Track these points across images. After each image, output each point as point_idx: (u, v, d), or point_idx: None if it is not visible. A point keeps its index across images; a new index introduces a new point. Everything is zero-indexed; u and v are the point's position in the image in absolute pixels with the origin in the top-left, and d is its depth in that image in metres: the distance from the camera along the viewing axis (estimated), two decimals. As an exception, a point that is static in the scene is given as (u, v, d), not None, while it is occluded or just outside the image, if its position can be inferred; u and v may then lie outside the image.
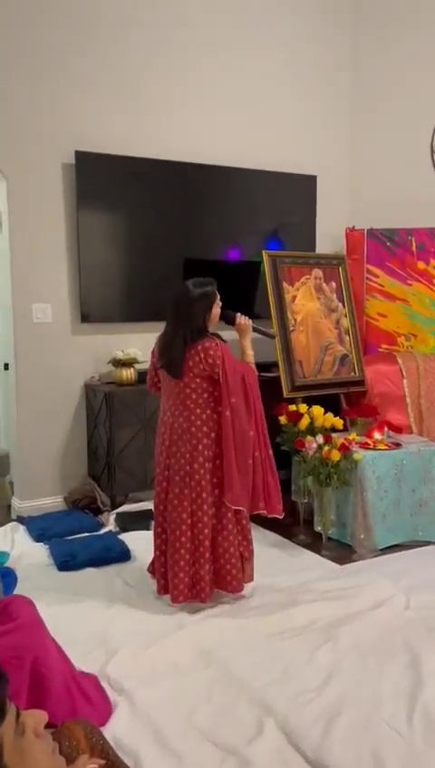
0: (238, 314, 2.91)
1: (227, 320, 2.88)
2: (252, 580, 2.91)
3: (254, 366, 2.87)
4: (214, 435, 2.72)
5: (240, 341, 2.92)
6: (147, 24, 4.10)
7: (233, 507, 2.73)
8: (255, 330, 2.95)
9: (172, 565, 2.73)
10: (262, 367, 4.34)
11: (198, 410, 2.72)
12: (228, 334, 2.95)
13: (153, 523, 2.95)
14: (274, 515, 2.80)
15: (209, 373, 2.67)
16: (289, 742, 1.95)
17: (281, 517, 2.83)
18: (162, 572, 2.83)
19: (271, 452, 2.81)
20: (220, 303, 2.79)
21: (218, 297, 2.78)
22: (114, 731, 1.98)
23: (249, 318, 2.94)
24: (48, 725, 1.16)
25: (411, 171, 4.70)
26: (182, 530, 2.72)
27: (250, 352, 2.90)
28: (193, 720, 2.05)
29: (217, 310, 2.77)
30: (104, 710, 2.07)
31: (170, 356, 2.71)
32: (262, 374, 4.30)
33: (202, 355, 2.65)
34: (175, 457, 2.77)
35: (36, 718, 1.08)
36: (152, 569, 2.93)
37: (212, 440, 2.72)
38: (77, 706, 1.94)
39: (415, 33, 4.64)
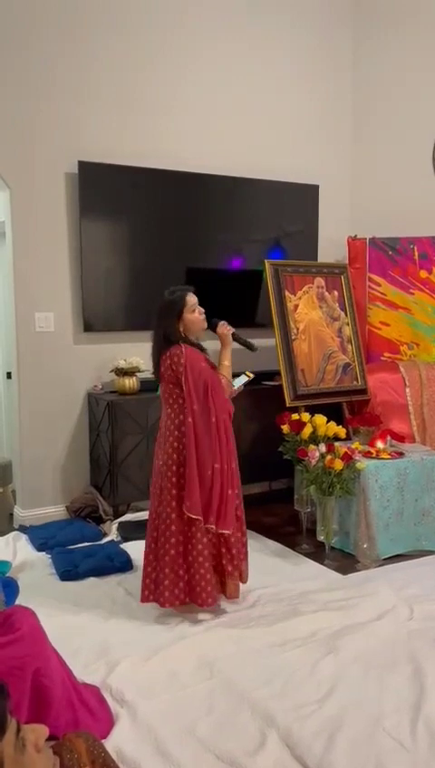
0: (221, 323, 2.89)
1: (211, 327, 2.88)
2: (235, 597, 2.85)
3: (226, 378, 2.81)
4: (184, 441, 2.74)
5: (220, 351, 2.90)
6: (148, 35, 4.13)
7: (189, 515, 2.67)
8: (235, 339, 2.90)
9: (163, 570, 2.75)
10: (264, 375, 4.37)
11: (173, 415, 2.76)
12: (235, 345, 2.94)
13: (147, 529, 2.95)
14: (223, 531, 2.69)
15: (176, 379, 2.71)
16: (292, 754, 1.94)
17: (228, 533, 2.71)
18: (146, 583, 2.82)
19: (235, 465, 2.75)
20: (200, 309, 2.80)
21: (192, 303, 2.78)
22: (116, 743, 1.97)
23: (233, 329, 2.91)
24: (50, 737, 1.16)
25: (413, 180, 4.72)
26: (166, 536, 2.74)
27: (226, 363, 2.85)
28: (195, 732, 2.04)
29: (191, 316, 2.77)
30: (106, 722, 2.06)
31: (153, 363, 2.83)
32: (264, 383, 4.34)
33: (169, 361, 2.72)
34: (157, 462, 2.83)
35: (37, 732, 1.07)
36: None
37: (183, 446, 2.72)
38: (79, 718, 1.93)
39: (416, 44, 4.66)
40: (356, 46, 4.95)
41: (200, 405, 2.68)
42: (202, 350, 2.83)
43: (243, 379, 2.99)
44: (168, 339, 2.75)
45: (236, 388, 2.93)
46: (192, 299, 2.80)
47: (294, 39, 4.69)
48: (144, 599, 2.78)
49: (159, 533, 2.76)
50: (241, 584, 2.88)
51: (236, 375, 2.99)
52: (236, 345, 2.94)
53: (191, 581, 2.72)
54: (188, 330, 2.79)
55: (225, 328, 2.88)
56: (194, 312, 2.79)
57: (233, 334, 2.88)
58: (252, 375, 3.02)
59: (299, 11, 4.69)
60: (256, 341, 3.05)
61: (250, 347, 2.96)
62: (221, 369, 2.83)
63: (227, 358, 2.86)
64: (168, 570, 2.71)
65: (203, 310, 2.82)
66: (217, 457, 2.68)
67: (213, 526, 2.66)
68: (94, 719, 2.00)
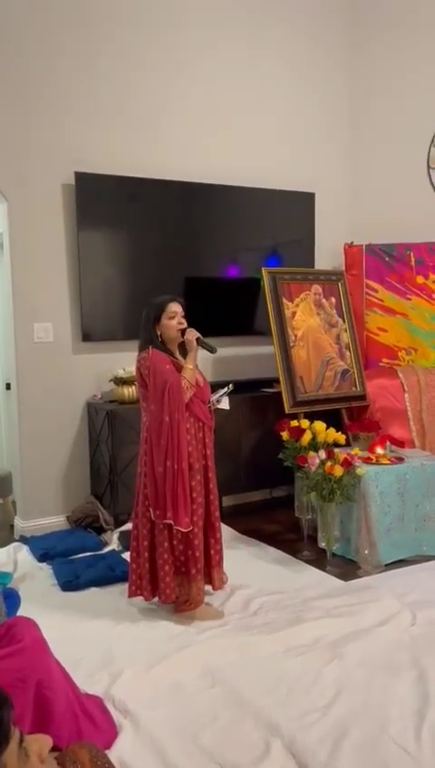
0: (189, 329, 2.91)
1: (182, 334, 2.90)
2: (199, 602, 2.86)
3: (186, 381, 2.81)
4: None
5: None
6: (144, 46, 4.17)
7: (150, 509, 2.80)
8: (199, 344, 2.91)
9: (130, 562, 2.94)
10: (263, 382, 4.38)
11: (145, 418, 2.86)
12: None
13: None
14: (179, 528, 2.76)
15: (143, 382, 2.82)
16: (296, 762, 1.93)
17: (185, 530, 2.78)
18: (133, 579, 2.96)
19: (185, 465, 2.79)
20: (180, 318, 2.85)
21: (171, 310, 2.84)
22: (120, 753, 1.96)
23: (199, 334, 2.91)
24: (53, 748, 1.15)
25: (409, 187, 4.74)
26: (144, 534, 2.85)
27: (189, 366, 2.86)
28: (199, 741, 2.03)
29: (168, 322, 2.85)
30: (109, 732, 2.05)
31: None
32: (263, 390, 4.34)
33: (137, 365, 2.83)
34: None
35: (40, 743, 1.07)
36: None
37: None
38: (82, 729, 1.92)
39: (413, 51, 4.70)
40: (352, 54, 4.99)
41: (156, 404, 2.76)
42: (175, 356, 2.88)
43: (224, 391, 3.03)
44: (146, 344, 2.85)
45: (215, 398, 2.99)
46: (174, 306, 2.86)
47: (290, 48, 4.73)
48: (130, 594, 2.92)
49: (138, 532, 2.87)
50: (186, 608, 2.88)
51: (222, 386, 3.07)
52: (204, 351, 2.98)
53: (155, 578, 2.84)
54: (165, 335, 2.87)
55: (190, 334, 2.90)
56: (172, 319, 2.85)
57: (197, 339, 2.90)
58: (232, 387, 3.10)
59: (295, 20, 4.73)
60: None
61: (210, 349, 2.98)
62: (184, 373, 2.84)
63: (190, 362, 2.88)
64: (134, 566, 2.88)
65: (184, 321, 2.88)
66: (169, 455, 2.75)
67: (171, 521, 2.74)
68: (97, 730, 1.99)
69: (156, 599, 2.88)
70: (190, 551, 2.82)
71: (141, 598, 2.90)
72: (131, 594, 2.91)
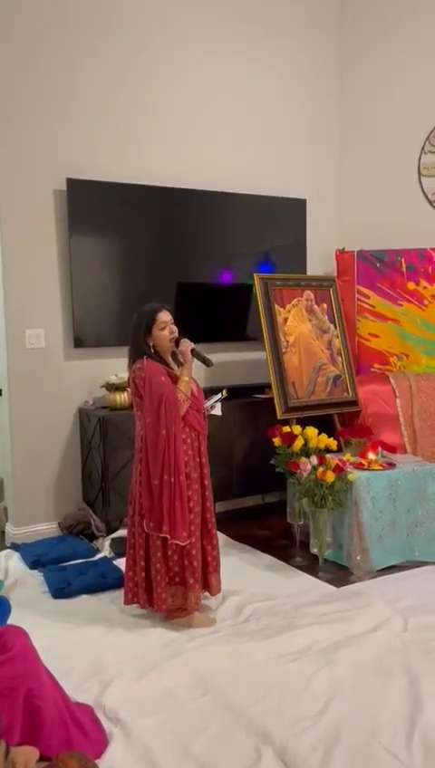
0: (183, 340, 2.90)
1: (176, 344, 2.89)
2: (195, 610, 2.85)
3: (181, 393, 2.79)
4: None
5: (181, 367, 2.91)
6: (135, 52, 4.18)
7: (145, 522, 2.79)
8: (194, 355, 2.90)
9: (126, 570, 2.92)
10: (255, 388, 4.38)
11: (139, 428, 2.85)
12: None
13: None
14: (176, 541, 2.74)
15: (137, 392, 2.80)
16: (288, 770, 1.92)
17: (184, 544, 2.77)
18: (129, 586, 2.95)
19: (183, 478, 2.77)
20: (171, 327, 2.84)
21: (162, 319, 2.82)
22: (110, 762, 1.95)
23: (194, 346, 2.91)
24: (42, 758, 1.15)
25: (400, 193, 4.77)
26: (140, 542, 2.86)
27: (185, 378, 2.84)
28: (190, 750, 2.02)
29: (160, 332, 2.83)
30: (100, 741, 2.04)
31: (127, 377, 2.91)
32: (255, 396, 4.35)
33: (133, 375, 2.80)
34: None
35: (27, 755, 1.06)
36: None
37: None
38: (72, 738, 1.91)
39: (403, 56, 4.73)
40: (342, 61, 5.02)
41: (153, 417, 2.74)
42: (169, 366, 2.87)
43: (217, 397, 3.03)
44: (137, 354, 2.83)
45: (209, 405, 2.98)
46: (164, 316, 2.84)
47: (279, 55, 4.75)
48: (127, 601, 2.90)
49: (134, 540, 2.85)
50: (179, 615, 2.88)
51: (215, 392, 3.06)
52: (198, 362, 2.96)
53: (150, 587, 2.83)
54: (157, 346, 2.85)
55: (185, 345, 2.89)
56: (163, 330, 2.83)
57: (192, 350, 2.89)
58: (226, 393, 3.11)
59: (284, 27, 4.75)
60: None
61: (207, 362, 2.97)
62: (179, 385, 2.82)
63: (185, 374, 2.87)
64: (130, 573, 2.87)
65: (175, 329, 2.87)
66: (166, 469, 2.73)
67: (168, 536, 2.73)
68: (88, 739, 1.98)
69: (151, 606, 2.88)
70: (187, 561, 2.81)
71: (137, 605, 2.89)
72: (127, 602, 2.89)
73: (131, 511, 2.90)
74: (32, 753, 1.08)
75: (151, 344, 2.85)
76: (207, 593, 2.97)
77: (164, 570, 2.81)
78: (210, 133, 4.48)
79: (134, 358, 2.84)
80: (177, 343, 2.88)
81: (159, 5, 4.23)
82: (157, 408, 2.73)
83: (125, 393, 3.99)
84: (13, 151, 3.83)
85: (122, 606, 2.94)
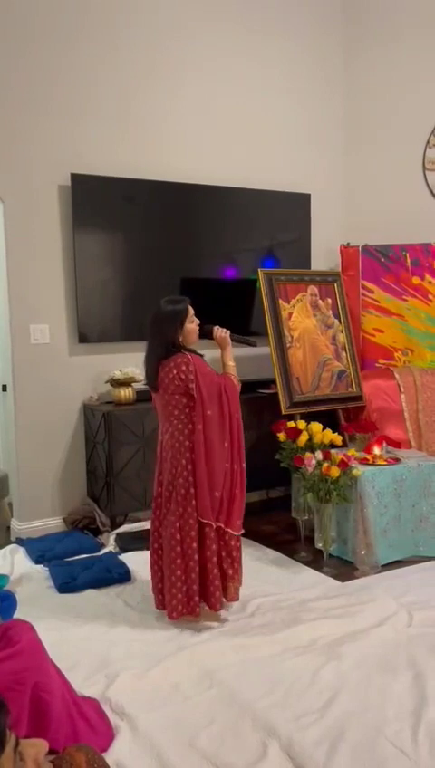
0: (216, 327, 2.91)
1: (206, 334, 2.89)
2: (236, 599, 2.85)
3: (235, 377, 2.84)
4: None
5: (221, 354, 2.93)
6: (141, 48, 4.17)
7: (201, 520, 2.72)
8: (234, 339, 2.93)
9: (167, 582, 2.75)
10: (260, 383, 4.38)
11: (180, 426, 2.75)
12: (234, 355, 2.96)
13: (151, 539, 2.94)
14: (230, 531, 2.73)
15: (185, 388, 2.69)
16: (294, 764, 1.93)
17: (239, 534, 2.76)
18: (159, 588, 2.84)
19: (244, 465, 2.78)
20: (196, 320, 2.82)
21: (192, 313, 2.80)
22: (116, 756, 1.96)
23: (228, 330, 2.93)
24: (49, 751, 1.15)
25: (405, 188, 4.75)
26: (172, 545, 2.73)
27: (231, 363, 2.89)
28: (196, 744, 2.03)
29: (190, 326, 2.79)
30: (106, 735, 2.05)
31: (147, 373, 2.82)
32: (260, 390, 4.34)
33: (175, 371, 2.68)
34: (165, 474, 2.81)
35: (36, 747, 1.07)
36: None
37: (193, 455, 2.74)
38: (79, 732, 1.92)
39: (407, 52, 4.71)
40: (347, 55, 5.00)
41: (215, 409, 2.71)
42: (200, 355, 2.85)
43: (246, 341, 3.08)
44: (169, 348, 2.74)
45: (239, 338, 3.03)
46: (191, 309, 2.83)
47: (285, 50, 4.73)
48: (177, 614, 2.74)
49: (186, 547, 2.74)
50: (229, 602, 2.86)
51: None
52: (236, 345, 2.97)
53: (202, 585, 2.75)
54: (185, 339, 2.80)
55: (220, 331, 2.90)
56: (193, 323, 2.81)
57: (231, 335, 2.90)
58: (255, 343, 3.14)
59: (290, 22, 4.73)
60: (250, 350, 3.09)
61: (250, 343, 3.00)
62: (228, 370, 2.85)
63: (230, 358, 2.90)
64: (169, 583, 2.74)
65: (198, 321, 2.85)
66: (229, 458, 2.73)
67: (222, 525, 2.71)
68: (94, 732, 1.99)
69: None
70: (226, 552, 2.77)
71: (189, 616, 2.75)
72: (178, 615, 2.73)
73: (163, 511, 2.79)
74: (41, 745, 1.08)
75: (181, 339, 2.77)
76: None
77: (231, 561, 2.76)
78: (215, 128, 4.47)
79: (167, 354, 2.73)
80: (207, 334, 2.87)
81: (164, 2, 4.23)
82: (218, 399, 2.71)
83: (130, 388, 4.00)
84: (17, 147, 3.82)
85: (168, 620, 2.78)
